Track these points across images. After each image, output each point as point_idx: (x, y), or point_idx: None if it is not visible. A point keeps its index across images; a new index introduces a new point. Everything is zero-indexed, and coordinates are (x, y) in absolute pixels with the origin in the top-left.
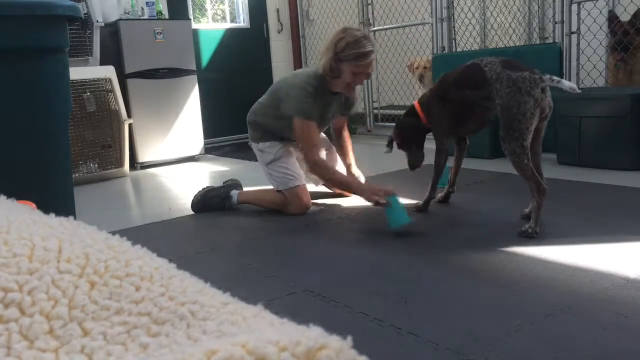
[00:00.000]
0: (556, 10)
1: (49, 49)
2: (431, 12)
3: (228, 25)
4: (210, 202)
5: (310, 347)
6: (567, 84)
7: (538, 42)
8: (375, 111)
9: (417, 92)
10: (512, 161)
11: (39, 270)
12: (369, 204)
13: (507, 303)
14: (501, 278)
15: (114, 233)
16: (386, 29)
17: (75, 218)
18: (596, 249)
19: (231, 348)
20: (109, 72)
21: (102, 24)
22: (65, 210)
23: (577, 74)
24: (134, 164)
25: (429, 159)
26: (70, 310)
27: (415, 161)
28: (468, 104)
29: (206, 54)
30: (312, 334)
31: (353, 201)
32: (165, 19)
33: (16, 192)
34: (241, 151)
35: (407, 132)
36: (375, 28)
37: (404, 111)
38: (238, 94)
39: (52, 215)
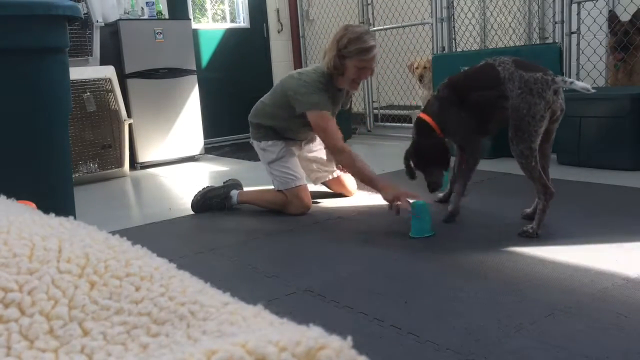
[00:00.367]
0: (556, 10)
1: (49, 49)
2: (431, 12)
3: (228, 25)
4: (210, 202)
5: (310, 347)
6: (579, 84)
7: (538, 42)
8: (375, 111)
9: (417, 92)
10: (519, 163)
11: (39, 270)
12: (369, 204)
13: (507, 303)
14: (501, 278)
15: (114, 233)
16: (386, 29)
17: (75, 218)
18: (596, 249)
19: (231, 348)
20: (109, 72)
21: (102, 24)
22: (65, 210)
23: (577, 74)
24: (134, 164)
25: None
26: (70, 310)
27: (435, 181)
28: (487, 105)
29: (206, 54)
30: (312, 334)
31: (353, 201)
32: (165, 19)
33: (16, 192)
34: (241, 151)
35: (429, 153)
36: (375, 28)
37: (414, 127)
38: (238, 94)
39: (52, 215)
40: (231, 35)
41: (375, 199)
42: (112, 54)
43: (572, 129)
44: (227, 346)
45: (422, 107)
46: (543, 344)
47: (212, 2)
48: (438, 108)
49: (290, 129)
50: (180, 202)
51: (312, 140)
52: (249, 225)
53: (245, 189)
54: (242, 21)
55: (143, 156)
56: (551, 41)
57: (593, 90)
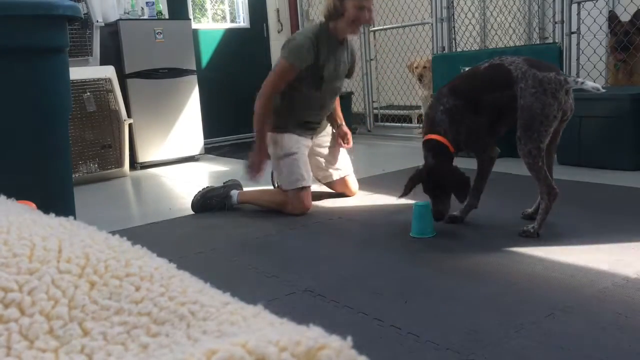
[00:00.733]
0: (556, 10)
1: (49, 49)
2: (431, 12)
3: (228, 25)
4: (210, 202)
5: (310, 347)
6: (590, 84)
7: (538, 42)
8: (375, 111)
9: (417, 92)
10: (526, 162)
11: (39, 270)
12: (369, 204)
13: (507, 303)
14: (501, 278)
15: (114, 233)
16: (386, 29)
17: (75, 218)
18: (596, 249)
19: (231, 348)
20: (109, 72)
21: (102, 24)
22: (65, 210)
23: (577, 73)
24: (134, 164)
25: (464, 163)
26: (70, 310)
27: (443, 211)
28: (501, 106)
29: (206, 54)
30: (312, 334)
31: (353, 201)
32: (165, 19)
33: (16, 192)
34: (241, 151)
35: (445, 182)
36: (375, 28)
37: (426, 149)
38: (238, 94)
39: (52, 215)
40: (231, 35)
41: (375, 200)
42: (112, 54)
43: (572, 129)
44: (227, 346)
45: (428, 125)
46: (543, 344)
47: (212, 2)
48: (449, 123)
49: (299, 107)
50: (180, 202)
51: (322, 132)
52: (249, 225)
53: (245, 189)
54: (242, 21)
55: (143, 156)
56: (551, 41)
57: (603, 90)
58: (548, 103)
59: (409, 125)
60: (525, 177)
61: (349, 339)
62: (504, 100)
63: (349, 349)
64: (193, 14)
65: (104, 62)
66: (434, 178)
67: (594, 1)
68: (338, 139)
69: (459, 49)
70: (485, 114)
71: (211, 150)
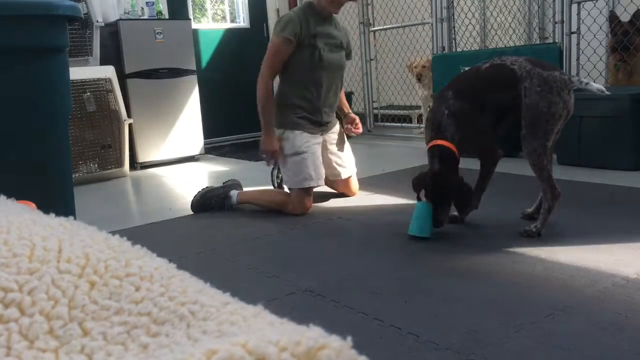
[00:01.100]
0: (556, 10)
1: (49, 49)
2: (431, 12)
3: (228, 25)
4: (210, 202)
5: (310, 347)
6: (595, 86)
7: (538, 42)
8: (375, 111)
9: (417, 92)
10: (531, 161)
11: (39, 270)
12: (369, 204)
13: (507, 303)
14: (501, 278)
15: (114, 233)
16: (386, 29)
17: (75, 218)
18: (596, 249)
19: (231, 348)
20: (109, 72)
21: (102, 24)
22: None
23: (577, 74)
24: (134, 164)
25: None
26: (70, 310)
27: (442, 219)
28: (503, 107)
29: (206, 54)
30: (312, 334)
31: (353, 201)
32: (165, 19)
33: (16, 192)
34: (241, 151)
35: (449, 191)
36: (375, 28)
37: (432, 156)
38: (238, 94)
39: (52, 215)
40: (231, 35)
41: (375, 200)
42: (112, 54)
43: (572, 129)
44: (227, 346)
45: (433, 131)
46: (543, 344)
47: (212, 2)
48: (455, 127)
49: (305, 92)
50: (180, 202)
51: (333, 128)
52: (249, 225)
53: (245, 189)
54: (242, 21)
55: (143, 156)
56: (551, 41)
57: (608, 93)
58: (554, 101)
59: (409, 125)
60: (525, 177)
61: (349, 339)
62: (508, 99)
63: (349, 349)
64: (193, 14)
65: (104, 62)
66: (438, 186)
67: (594, 1)
68: (347, 125)
69: (459, 49)
70: (489, 114)
71: (211, 150)
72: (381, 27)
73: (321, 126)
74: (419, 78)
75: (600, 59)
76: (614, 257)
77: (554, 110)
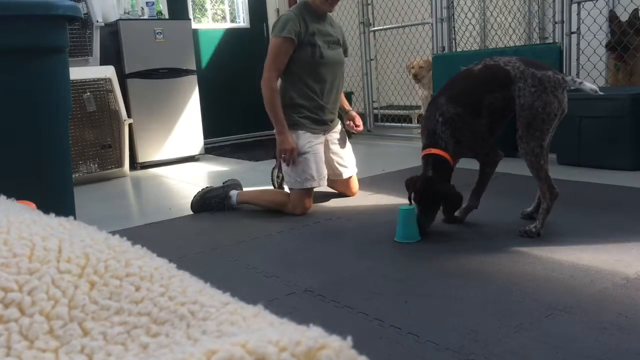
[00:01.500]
0: (556, 10)
1: (49, 49)
2: (431, 12)
3: (228, 25)
4: (210, 202)
5: (310, 347)
6: (588, 85)
7: (538, 42)
8: (375, 111)
9: (417, 92)
10: (528, 161)
11: (39, 270)
12: (369, 204)
13: (507, 303)
14: (501, 278)
15: (114, 233)
16: (386, 29)
17: (75, 218)
18: (596, 249)
19: (231, 348)
20: (109, 72)
21: (102, 24)
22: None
23: (577, 74)
24: (134, 164)
25: (464, 163)
26: (70, 310)
27: (427, 224)
28: (499, 108)
29: (206, 54)
30: (312, 334)
31: (353, 201)
32: (165, 19)
33: (16, 192)
34: (241, 151)
35: (437, 199)
36: (375, 28)
37: (426, 164)
38: (238, 94)
39: (52, 215)
40: (231, 35)
41: (375, 200)
42: (112, 54)
43: (572, 129)
44: (227, 346)
45: (427, 139)
46: (543, 344)
47: (212, 2)
48: (450, 134)
49: (306, 90)
50: (180, 202)
51: (335, 127)
52: (249, 225)
53: (244, 189)
54: (242, 21)
55: (143, 156)
56: (551, 41)
57: (601, 93)
58: (549, 101)
59: (409, 125)
60: (524, 177)
61: (349, 339)
62: (503, 100)
63: (349, 349)
64: (193, 14)
65: (104, 62)
66: (427, 192)
67: (594, 1)
68: (348, 122)
69: (459, 49)
70: (486, 116)
71: (211, 150)
72: (381, 27)
73: (324, 125)
74: (416, 78)
75: (600, 59)
76: (614, 257)
77: (549, 110)
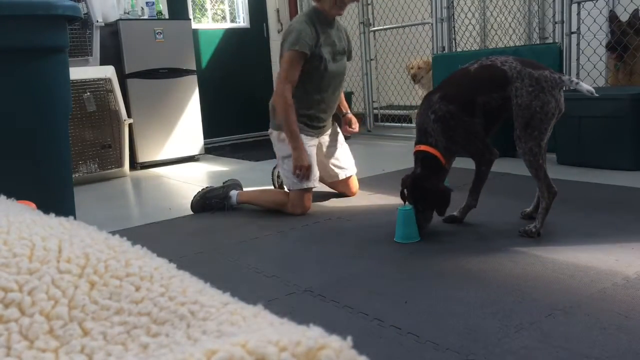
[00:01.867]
0: (556, 10)
1: (49, 49)
2: (431, 12)
3: (228, 25)
4: (210, 202)
5: (310, 347)
6: (585, 86)
7: (538, 42)
8: (375, 111)
9: (417, 92)
10: (527, 161)
11: (39, 270)
12: (369, 204)
13: (507, 303)
14: (501, 278)
15: (114, 233)
16: (386, 29)
17: (75, 218)
18: (596, 249)
19: (231, 348)
20: (109, 72)
21: (102, 24)
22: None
23: (577, 74)
24: (134, 164)
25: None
26: (70, 310)
27: (422, 223)
28: (494, 107)
29: (206, 54)
30: (312, 334)
31: (353, 201)
32: (165, 19)
33: (16, 192)
34: (241, 151)
35: (427, 195)
36: (375, 28)
37: (416, 160)
38: (238, 94)
39: (52, 215)
40: (231, 35)
41: (375, 200)
42: (112, 54)
43: (572, 129)
44: (227, 346)
45: (419, 135)
46: (543, 344)
47: (212, 2)
48: (441, 132)
49: (308, 99)
50: (180, 202)
51: (329, 130)
52: (249, 225)
53: (244, 189)
54: (242, 21)
55: (143, 156)
56: (551, 41)
57: (597, 95)
58: (546, 100)
59: (409, 125)
60: (524, 177)
61: (349, 339)
62: (499, 100)
63: (349, 349)
64: (193, 14)
65: (104, 62)
66: (417, 189)
67: (594, 1)
68: (345, 126)
69: (459, 49)
70: (480, 115)
71: (211, 150)
72: (381, 27)
73: (318, 129)
74: (415, 79)
75: (600, 59)
76: (614, 257)
77: (547, 110)
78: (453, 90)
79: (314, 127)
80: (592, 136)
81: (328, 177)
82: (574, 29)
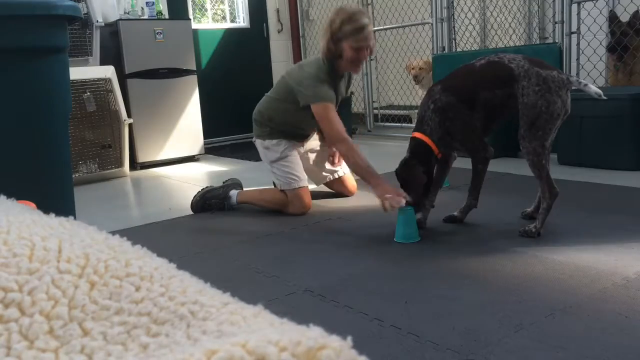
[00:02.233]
0: (556, 10)
1: (49, 49)
2: (431, 12)
3: (228, 25)
4: (210, 202)
5: (310, 347)
6: (593, 88)
7: (538, 42)
8: (375, 111)
9: (417, 92)
10: (530, 160)
11: (39, 270)
12: (369, 204)
13: (507, 303)
14: (501, 278)
15: (114, 233)
16: (386, 29)
17: (75, 218)
18: (596, 249)
19: (231, 348)
20: (109, 72)
21: (102, 24)
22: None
23: (577, 74)
24: (134, 164)
25: (463, 163)
26: (70, 310)
27: (415, 198)
28: (497, 105)
29: (206, 54)
30: (312, 334)
31: (353, 201)
32: (165, 19)
33: (16, 192)
34: (241, 151)
35: (408, 177)
36: (375, 28)
37: (408, 146)
38: (238, 94)
39: (52, 215)
40: (231, 35)
41: (375, 199)
42: (112, 54)
43: (572, 129)
44: (227, 346)
45: (417, 123)
46: (543, 344)
47: (212, 2)
48: (438, 122)
49: (296, 122)
50: (180, 202)
51: (313, 136)
52: (249, 225)
53: (244, 189)
54: (242, 21)
55: (143, 156)
56: (551, 41)
57: (605, 97)
58: (553, 101)
59: (409, 125)
60: (524, 177)
61: (349, 339)
62: (503, 97)
63: (349, 349)
64: (193, 14)
65: (104, 62)
66: (401, 175)
67: (594, 1)
68: (329, 157)
69: (459, 49)
70: (480, 111)
71: (211, 150)
72: (381, 27)
73: (301, 138)
74: (417, 79)
75: (600, 59)
76: (614, 257)
77: (552, 110)
78: (455, 83)
79: (297, 137)
80: (593, 136)
81: (317, 180)
82: (574, 29)
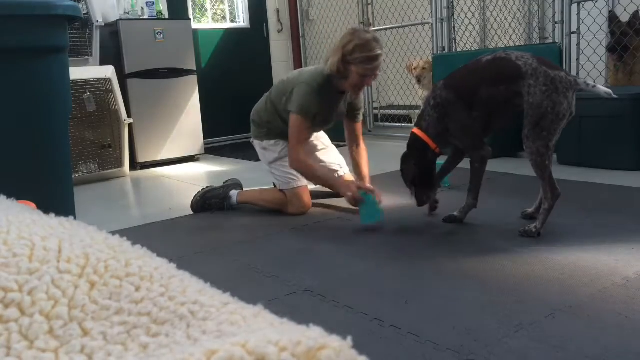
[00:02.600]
0: (556, 10)
1: (49, 49)
2: (431, 12)
3: (228, 25)
4: (210, 202)
5: (310, 347)
6: (602, 89)
7: (538, 42)
8: (375, 111)
9: (417, 92)
10: (533, 161)
11: (39, 270)
12: None
13: (507, 303)
14: (501, 278)
15: (114, 233)
16: (386, 29)
17: (75, 218)
18: (596, 249)
19: (231, 348)
20: (109, 72)
21: (102, 24)
22: (65, 210)
23: (577, 74)
24: (134, 164)
25: (462, 163)
26: (70, 310)
27: (421, 198)
28: (500, 102)
29: (206, 54)
30: (312, 334)
31: None
32: (165, 19)
33: (16, 192)
34: (241, 151)
35: (410, 174)
36: (375, 28)
37: (408, 142)
38: (238, 94)
39: (52, 215)
40: (231, 35)
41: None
42: (112, 54)
43: (573, 129)
44: (227, 346)
45: (418, 118)
46: (543, 344)
47: (212, 2)
48: (437, 119)
49: (280, 130)
50: (180, 202)
51: (313, 138)
52: (249, 225)
53: (244, 189)
54: (242, 21)
55: (143, 156)
56: (551, 41)
57: (615, 96)
58: (559, 102)
59: (409, 125)
60: (525, 177)
61: (349, 339)
62: (507, 95)
63: (349, 349)
64: (193, 14)
65: (104, 62)
66: (401, 167)
67: (594, 1)
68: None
69: (459, 49)
70: (482, 109)
71: (211, 150)
72: (381, 27)
73: None
74: (419, 80)
75: (600, 59)
76: (614, 257)
77: (558, 111)
78: (457, 79)
79: None
80: (593, 136)
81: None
82: (574, 29)
